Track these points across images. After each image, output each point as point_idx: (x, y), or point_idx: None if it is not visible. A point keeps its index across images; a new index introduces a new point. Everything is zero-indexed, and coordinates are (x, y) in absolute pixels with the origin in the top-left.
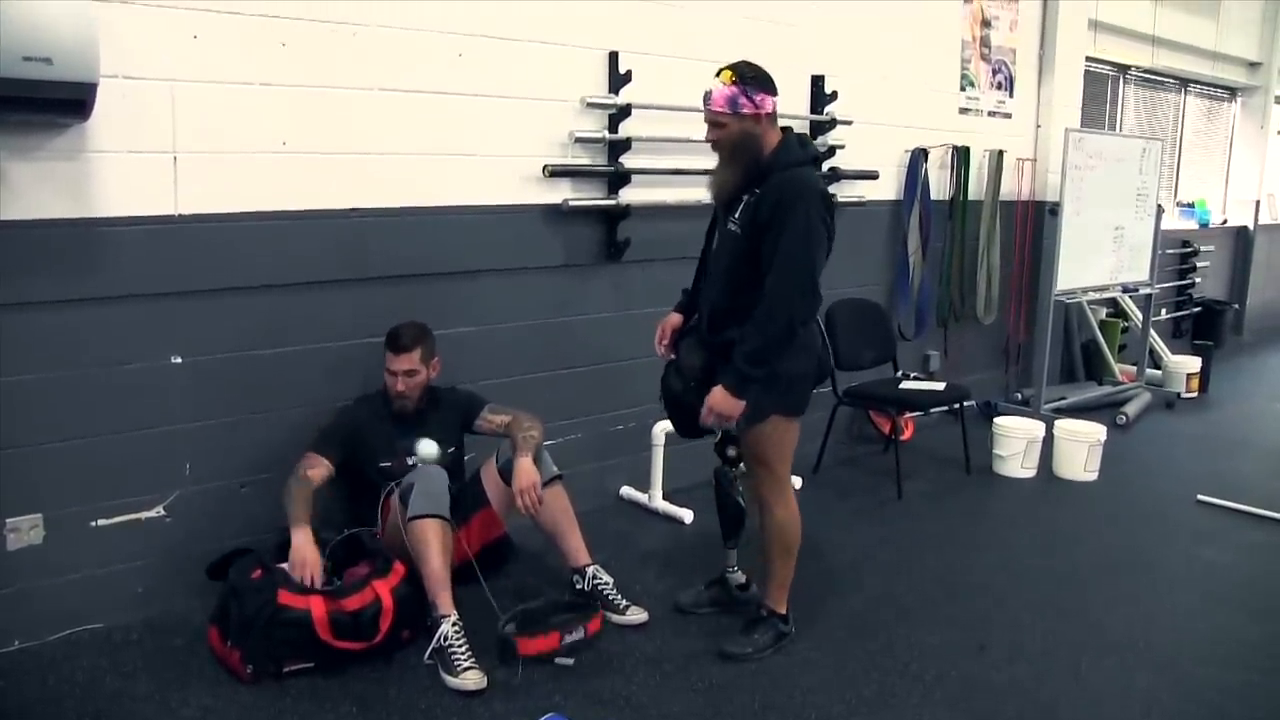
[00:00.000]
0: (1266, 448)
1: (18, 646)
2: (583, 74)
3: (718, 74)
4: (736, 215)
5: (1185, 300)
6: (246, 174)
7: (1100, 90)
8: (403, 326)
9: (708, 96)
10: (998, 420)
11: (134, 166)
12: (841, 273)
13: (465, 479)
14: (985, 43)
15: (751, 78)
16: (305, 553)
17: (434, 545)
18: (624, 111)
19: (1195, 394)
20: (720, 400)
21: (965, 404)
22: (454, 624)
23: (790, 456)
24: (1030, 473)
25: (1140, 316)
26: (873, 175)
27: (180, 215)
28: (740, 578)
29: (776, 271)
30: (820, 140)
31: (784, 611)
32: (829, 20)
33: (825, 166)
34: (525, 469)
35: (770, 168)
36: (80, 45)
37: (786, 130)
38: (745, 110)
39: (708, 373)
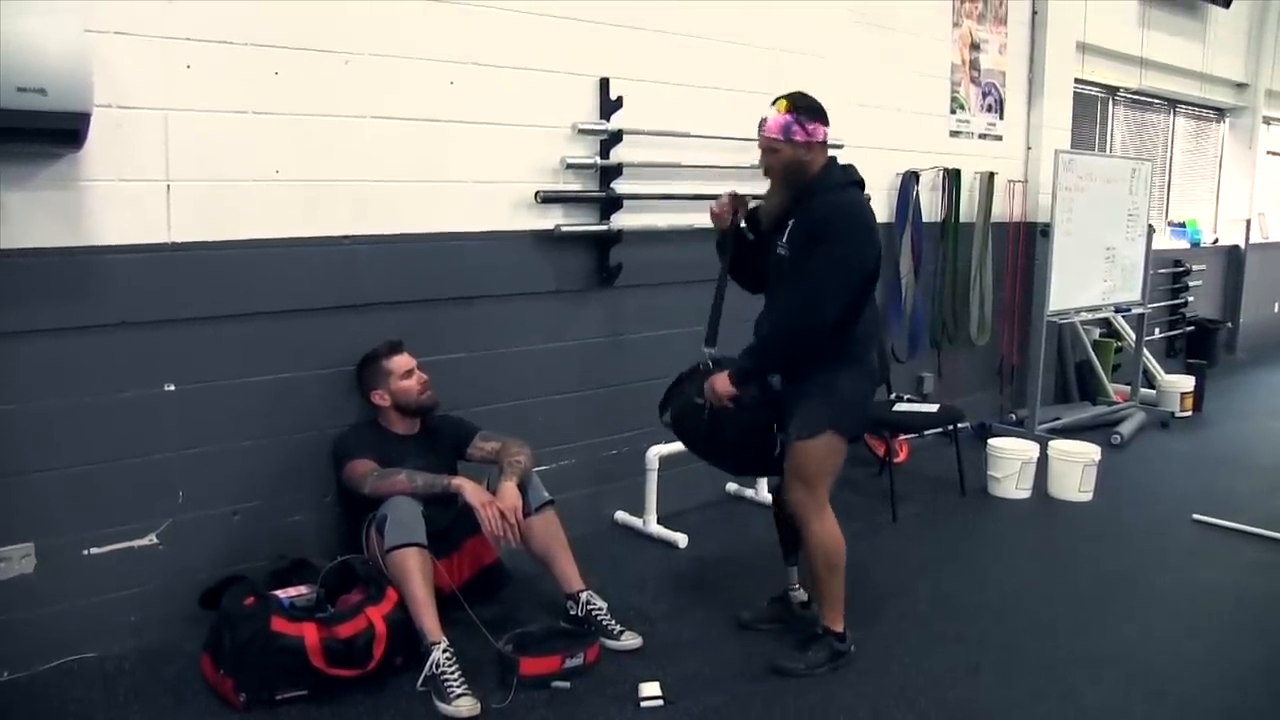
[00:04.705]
0: (1261, 466)
1: (8, 677)
2: (574, 100)
3: (774, 102)
4: (784, 239)
5: (1178, 320)
6: (239, 202)
7: (1090, 111)
8: (378, 345)
9: (763, 123)
10: (992, 441)
11: (127, 195)
12: None
13: (458, 506)
14: (975, 66)
15: (805, 107)
16: (485, 494)
17: (415, 574)
18: (615, 137)
19: (1190, 413)
20: (719, 380)
21: (959, 425)
22: (445, 651)
23: (831, 477)
24: (1025, 494)
25: (1133, 336)
26: None
27: (174, 243)
28: (802, 595)
29: (799, 285)
30: None
31: (840, 630)
32: (819, 45)
33: None
34: (506, 492)
35: (813, 191)
36: (74, 76)
37: (831, 158)
38: (798, 138)
39: (767, 399)
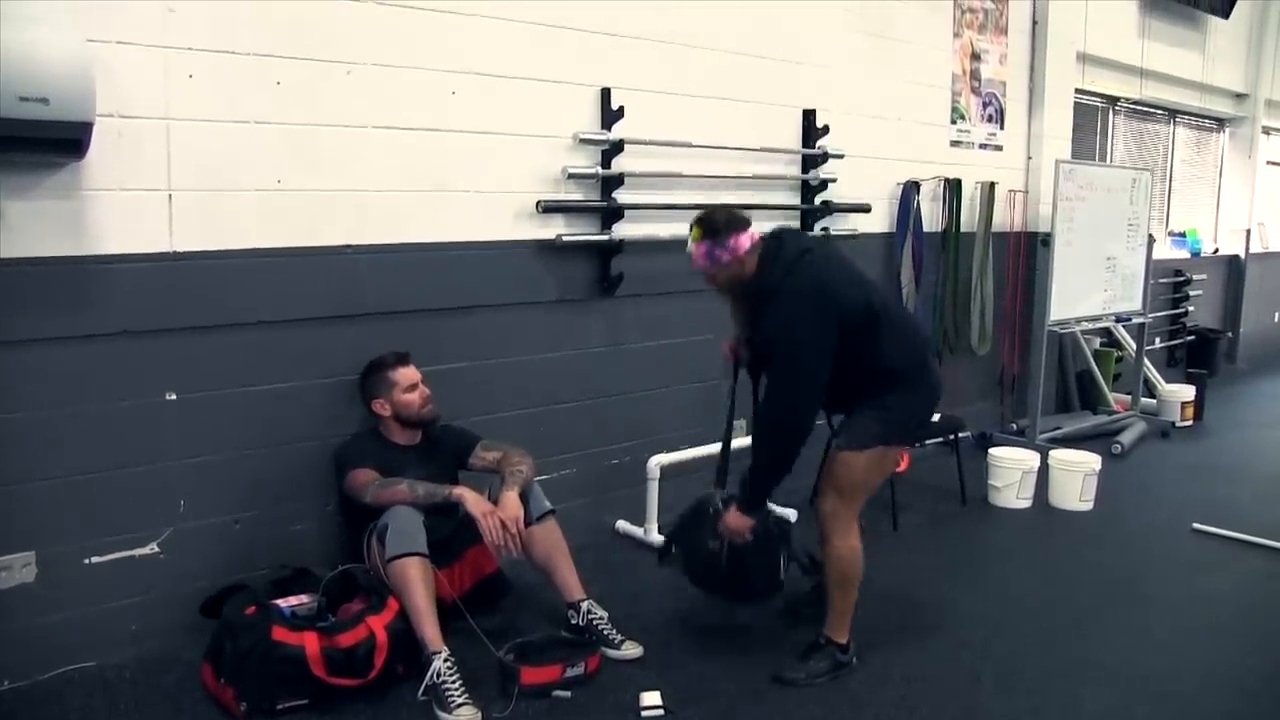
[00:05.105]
0: (1262, 476)
1: (8, 686)
2: (575, 110)
3: (690, 229)
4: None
5: (1179, 329)
6: (241, 211)
7: (1090, 121)
8: (384, 354)
9: (689, 254)
10: (993, 451)
11: (129, 204)
12: None
13: (459, 516)
14: (975, 76)
15: (719, 227)
16: (487, 503)
17: (416, 583)
18: (616, 147)
19: (1190, 422)
20: (733, 518)
21: (960, 435)
22: (446, 660)
23: (867, 494)
24: (1026, 503)
25: (1134, 346)
26: (865, 208)
27: (175, 252)
28: None
29: (766, 399)
30: (812, 173)
31: (843, 641)
32: (821, 55)
33: (818, 200)
34: (508, 502)
35: (758, 295)
36: (76, 85)
37: (765, 245)
38: (724, 259)
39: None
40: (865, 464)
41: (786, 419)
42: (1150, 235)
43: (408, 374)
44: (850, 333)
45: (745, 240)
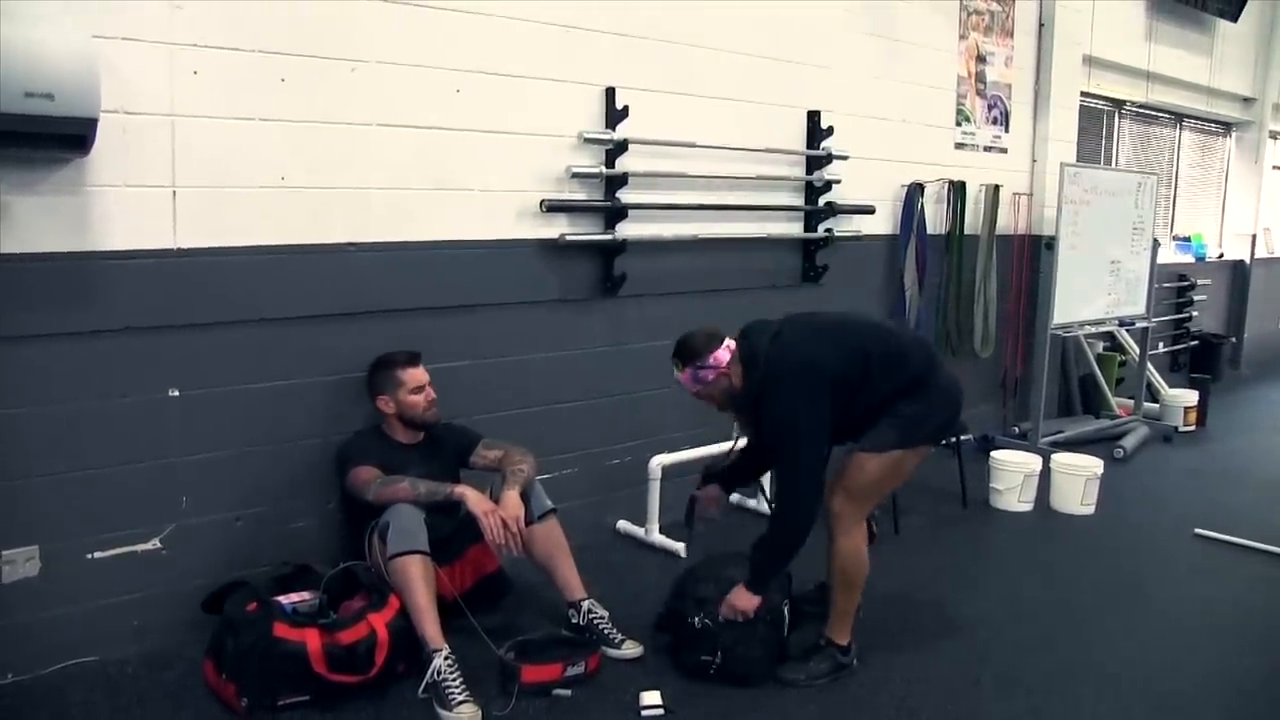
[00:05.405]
0: (1264, 481)
1: (11, 680)
2: (579, 109)
3: (672, 361)
4: None
5: (1182, 334)
6: (245, 208)
7: (1095, 125)
8: (396, 351)
9: (678, 382)
10: (995, 454)
11: (133, 200)
12: (839, 307)
13: (461, 514)
14: (981, 78)
15: (700, 345)
16: (488, 502)
17: (417, 581)
18: (621, 147)
19: (1193, 427)
20: (740, 599)
21: (962, 438)
22: (446, 658)
23: (879, 499)
24: (1028, 507)
25: (1137, 350)
26: (869, 210)
27: (179, 249)
28: None
29: (775, 495)
30: (816, 175)
31: (844, 643)
32: (825, 56)
33: (821, 202)
34: (509, 501)
35: (752, 400)
36: (81, 81)
37: (740, 349)
38: (710, 377)
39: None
40: (879, 466)
41: (796, 507)
42: (1155, 239)
43: (416, 375)
44: (848, 383)
45: (725, 353)
